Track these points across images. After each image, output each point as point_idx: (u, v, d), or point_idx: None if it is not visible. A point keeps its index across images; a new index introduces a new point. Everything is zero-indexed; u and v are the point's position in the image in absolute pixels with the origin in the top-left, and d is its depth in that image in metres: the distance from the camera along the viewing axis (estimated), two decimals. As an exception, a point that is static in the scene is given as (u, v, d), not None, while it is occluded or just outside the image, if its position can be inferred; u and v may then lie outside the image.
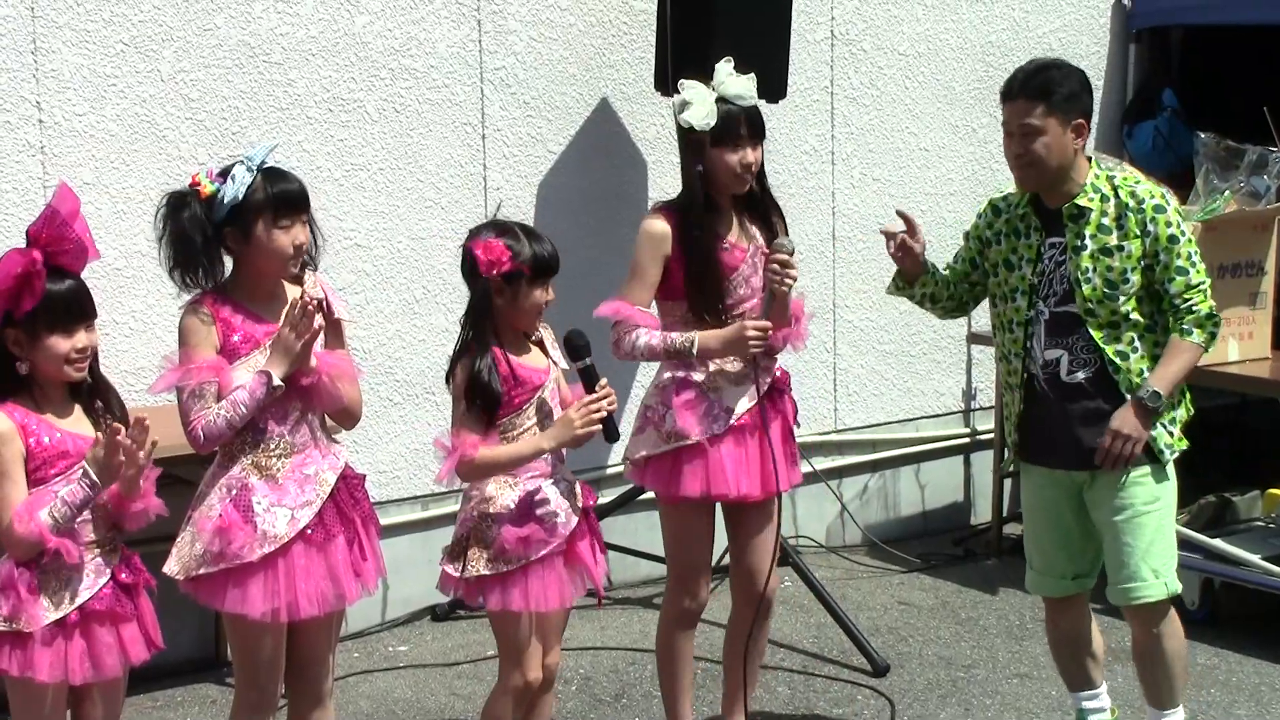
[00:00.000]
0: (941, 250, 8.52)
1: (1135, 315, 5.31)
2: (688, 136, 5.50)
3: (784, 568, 7.49)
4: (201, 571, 4.67)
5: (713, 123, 5.41)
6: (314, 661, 4.93)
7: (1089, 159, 5.41)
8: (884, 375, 8.54)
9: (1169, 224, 5.28)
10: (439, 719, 6.40)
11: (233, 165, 4.68)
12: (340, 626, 5.10)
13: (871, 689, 6.58)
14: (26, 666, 4.39)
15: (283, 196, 4.67)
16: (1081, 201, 5.32)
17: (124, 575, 4.53)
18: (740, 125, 5.42)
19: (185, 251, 4.64)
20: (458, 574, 5.00)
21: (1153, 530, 5.39)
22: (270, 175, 4.68)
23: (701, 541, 5.58)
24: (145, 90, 6.54)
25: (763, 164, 5.55)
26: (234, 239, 4.68)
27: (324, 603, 4.74)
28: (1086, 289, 5.30)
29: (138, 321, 6.51)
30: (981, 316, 8.63)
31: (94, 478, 4.35)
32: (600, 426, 4.98)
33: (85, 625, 4.45)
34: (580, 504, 5.11)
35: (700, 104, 5.42)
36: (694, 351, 5.41)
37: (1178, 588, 5.48)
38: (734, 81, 5.45)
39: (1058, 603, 5.68)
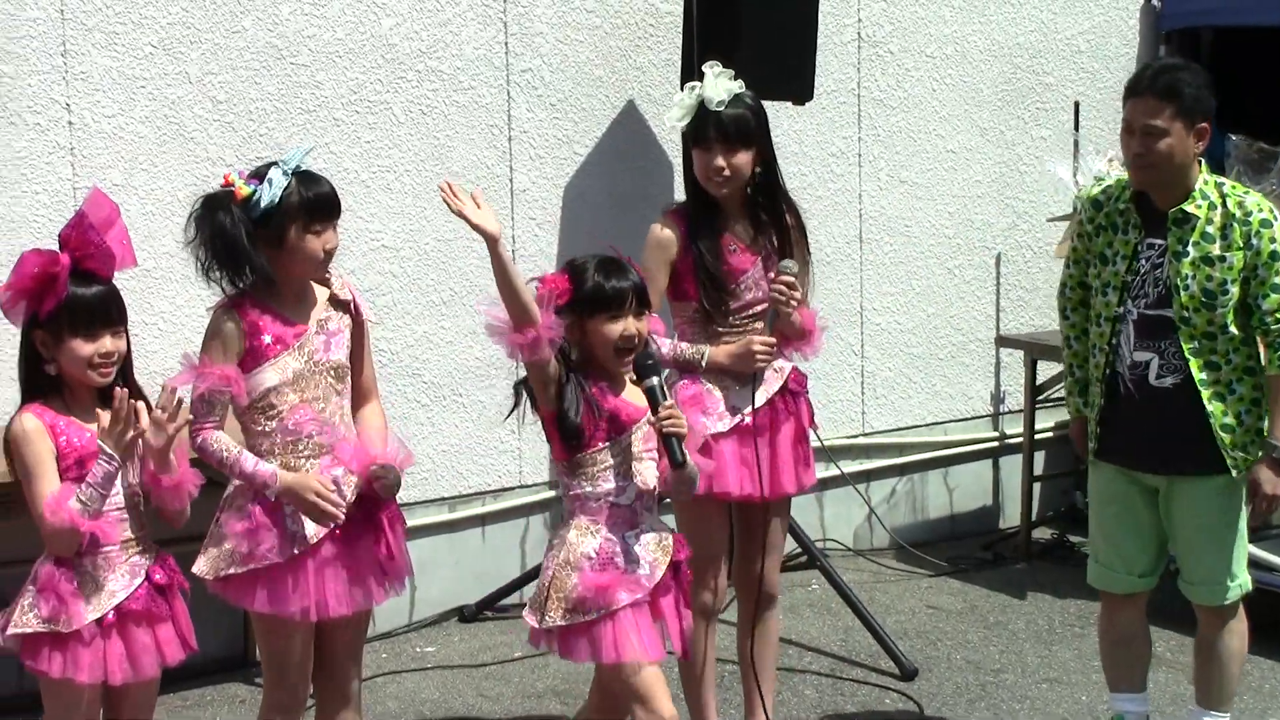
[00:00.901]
0: (968, 253, 8.55)
1: (1232, 328, 5.25)
2: (685, 138, 5.54)
3: (811, 570, 7.51)
4: (231, 571, 4.68)
5: (686, 123, 5.44)
6: (342, 661, 4.93)
7: (1200, 163, 5.32)
8: (911, 378, 8.52)
9: (1274, 240, 5.21)
10: (466, 720, 6.42)
11: (265, 167, 4.68)
12: (368, 627, 5.10)
13: (899, 692, 6.57)
14: (67, 667, 4.40)
15: (317, 201, 4.67)
16: (1189, 208, 5.25)
17: (159, 576, 4.54)
18: (709, 128, 5.39)
19: (230, 252, 4.62)
20: (538, 624, 4.80)
21: (1231, 537, 5.39)
22: (304, 179, 4.69)
23: (713, 533, 5.56)
24: (174, 92, 6.55)
25: (772, 168, 5.52)
26: (266, 242, 4.67)
27: (352, 603, 4.75)
28: (1184, 296, 5.24)
29: (166, 323, 6.52)
30: (1009, 319, 8.66)
31: (109, 450, 4.35)
32: (678, 429, 4.76)
33: (122, 626, 4.47)
34: (670, 557, 4.86)
35: (679, 105, 5.46)
36: (703, 364, 5.45)
37: (1249, 586, 5.48)
38: (711, 84, 5.42)
39: (1118, 600, 5.63)
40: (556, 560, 4.80)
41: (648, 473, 4.86)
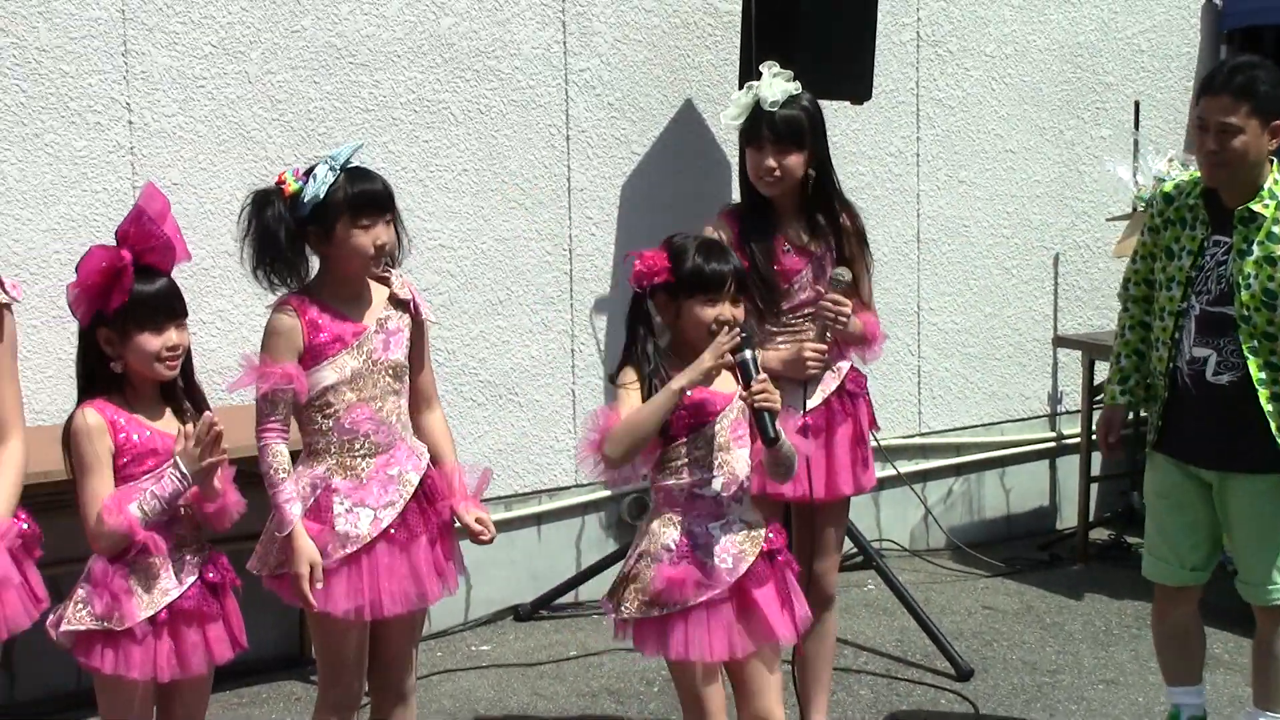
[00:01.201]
0: (1026, 253, 8.52)
1: None
2: (741, 139, 5.55)
3: (867, 571, 7.49)
4: (285, 569, 4.70)
5: (739, 122, 5.45)
6: (397, 660, 4.95)
7: (1272, 161, 5.29)
8: (968, 379, 8.49)
9: None
10: (521, 719, 6.41)
11: (317, 164, 4.71)
12: (423, 625, 5.11)
13: (955, 693, 6.55)
14: (119, 664, 4.42)
15: (363, 196, 4.68)
16: (1256, 206, 5.23)
17: (211, 575, 4.55)
18: (762, 129, 5.40)
19: (268, 249, 4.66)
20: (614, 614, 4.76)
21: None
22: (353, 175, 4.70)
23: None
24: (233, 91, 6.59)
25: (828, 169, 5.52)
26: (316, 237, 4.70)
27: (406, 602, 4.75)
28: (1245, 295, 5.22)
29: (224, 321, 6.55)
30: (1067, 319, 8.62)
31: (184, 470, 4.38)
32: (771, 404, 4.60)
33: (173, 624, 4.47)
34: (761, 549, 4.73)
35: (734, 104, 5.46)
36: None
37: None
38: (767, 84, 5.43)
39: (1172, 593, 5.62)
40: (637, 550, 4.75)
41: (737, 463, 4.74)
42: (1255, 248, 5.23)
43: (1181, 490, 5.49)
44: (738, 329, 4.66)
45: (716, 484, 4.71)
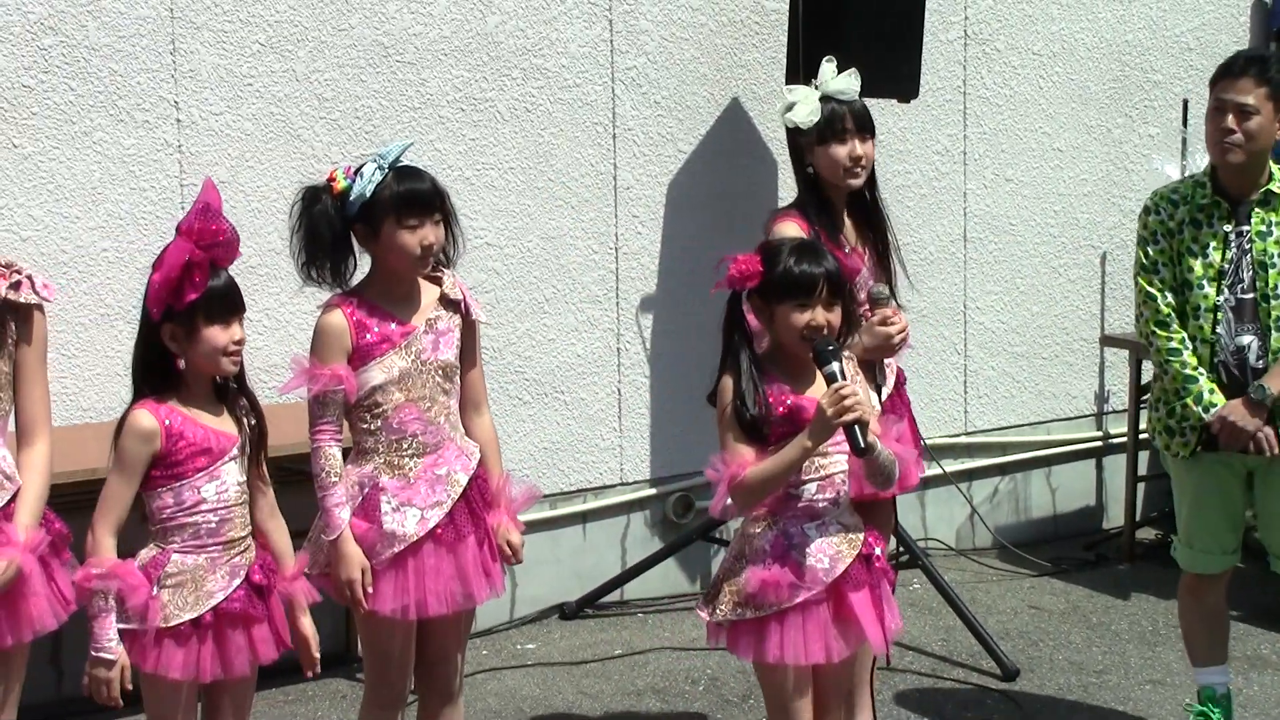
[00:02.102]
0: (1074, 252, 8.48)
1: None
2: (796, 138, 5.52)
3: (913, 570, 7.48)
4: (332, 569, 4.71)
5: (816, 119, 5.42)
6: (444, 659, 4.96)
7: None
8: (1015, 377, 8.47)
9: None
10: (566, 717, 6.42)
11: (366, 162, 4.71)
12: (470, 626, 5.11)
13: (1001, 693, 6.53)
14: (160, 663, 4.42)
15: (409, 195, 4.67)
16: (1275, 187, 5.49)
17: (257, 576, 4.55)
18: (845, 120, 5.42)
19: (314, 246, 4.69)
20: (708, 617, 4.64)
21: None
22: (401, 174, 4.70)
23: None
24: (280, 90, 6.61)
25: (874, 171, 5.54)
26: (363, 236, 4.72)
27: (453, 602, 4.76)
28: (1272, 274, 5.42)
29: (271, 319, 6.57)
30: (1114, 318, 8.59)
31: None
32: (857, 414, 4.41)
33: (218, 626, 4.46)
34: (858, 551, 4.61)
35: (805, 102, 5.44)
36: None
37: None
38: (836, 79, 5.46)
39: (1209, 579, 5.75)
40: (733, 553, 4.68)
41: (833, 467, 4.61)
42: (1275, 228, 5.49)
43: (1226, 483, 5.62)
44: (826, 340, 4.52)
45: (812, 488, 4.61)
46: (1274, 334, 5.41)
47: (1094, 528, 8.69)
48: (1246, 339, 5.45)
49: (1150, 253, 5.57)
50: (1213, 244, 5.48)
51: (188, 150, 6.46)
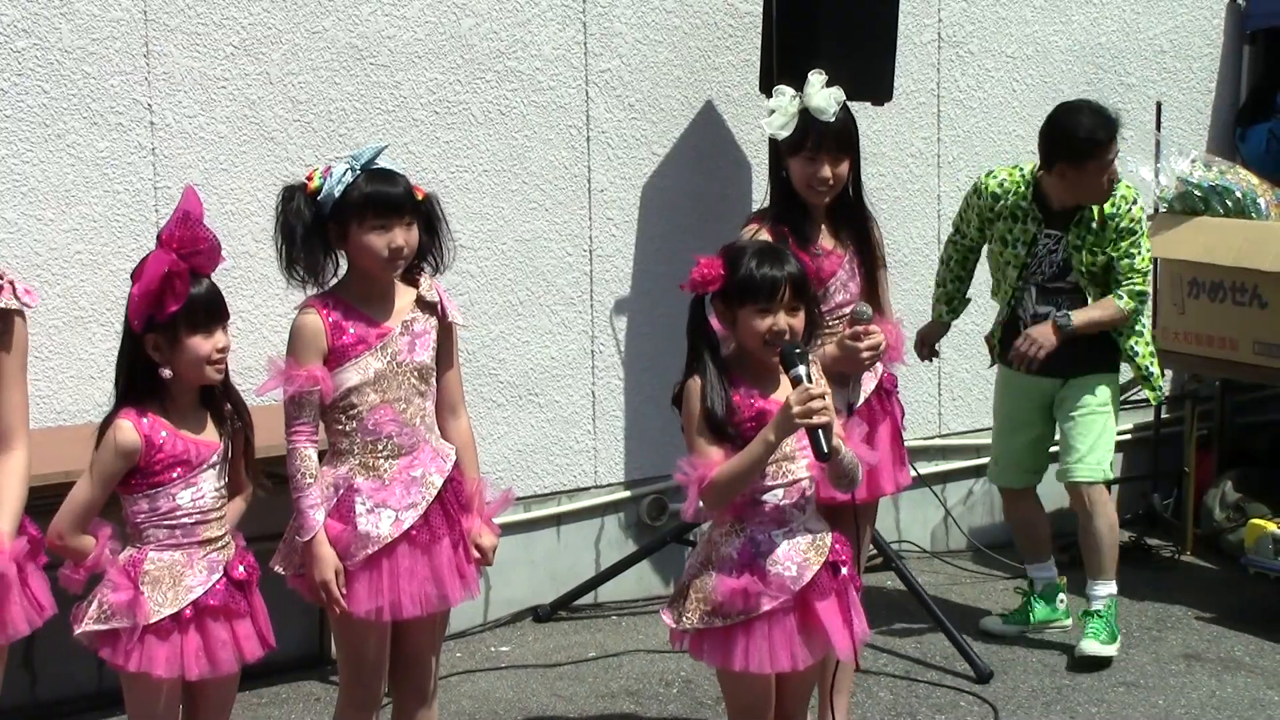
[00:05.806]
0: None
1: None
2: (775, 143, 5.51)
3: (886, 572, 7.48)
4: (306, 570, 4.70)
5: (789, 133, 5.39)
6: (418, 661, 4.96)
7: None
8: (989, 380, 8.45)
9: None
10: (540, 720, 6.44)
11: (338, 162, 4.72)
12: (445, 627, 5.11)
13: (974, 695, 6.54)
14: (143, 662, 4.41)
15: (375, 197, 4.66)
16: (1087, 211, 6.63)
17: (238, 572, 4.55)
18: (820, 139, 5.34)
19: (288, 243, 4.69)
20: (674, 623, 4.63)
21: (1100, 426, 6.78)
22: (372, 176, 4.68)
23: None
24: (254, 92, 6.60)
25: (857, 174, 5.52)
26: (335, 236, 4.71)
27: (427, 603, 4.76)
28: (1083, 279, 6.69)
29: (245, 322, 6.55)
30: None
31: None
32: (823, 419, 4.39)
33: (200, 621, 4.46)
34: (825, 558, 4.61)
35: (780, 113, 5.40)
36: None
37: (1109, 475, 6.88)
38: (816, 94, 5.36)
39: (1017, 493, 7.12)
40: (699, 558, 4.66)
41: (800, 471, 4.62)
42: (1087, 238, 6.63)
43: (1027, 412, 6.95)
44: (795, 347, 4.53)
45: (779, 492, 4.61)
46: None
47: (1067, 530, 8.68)
48: (1046, 309, 6.69)
49: (962, 229, 6.93)
50: (1023, 239, 6.67)
51: (161, 153, 6.44)
